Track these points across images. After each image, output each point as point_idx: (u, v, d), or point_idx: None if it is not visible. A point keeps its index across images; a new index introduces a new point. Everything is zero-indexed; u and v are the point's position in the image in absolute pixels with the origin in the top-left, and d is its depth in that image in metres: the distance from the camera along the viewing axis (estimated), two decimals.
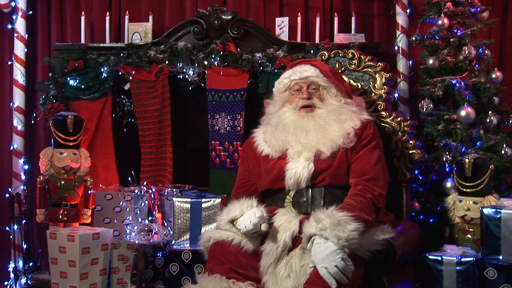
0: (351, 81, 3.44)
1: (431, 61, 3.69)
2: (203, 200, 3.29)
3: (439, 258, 3.01)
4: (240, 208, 2.78)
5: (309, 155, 2.83)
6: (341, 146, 2.82)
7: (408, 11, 4.12)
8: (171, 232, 3.40)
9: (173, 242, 3.30)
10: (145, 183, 3.88)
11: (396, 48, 4.13)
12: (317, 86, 2.96)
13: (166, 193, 3.72)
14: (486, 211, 3.01)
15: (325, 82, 2.97)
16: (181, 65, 3.95)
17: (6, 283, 3.93)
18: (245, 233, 2.70)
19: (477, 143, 3.57)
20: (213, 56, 3.94)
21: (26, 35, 4.24)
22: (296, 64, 3.09)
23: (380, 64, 3.51)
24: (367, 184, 2.75)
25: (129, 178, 3.83)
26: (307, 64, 3.04)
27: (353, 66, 3.51)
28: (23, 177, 4.17)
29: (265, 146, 2.97)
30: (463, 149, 3.54)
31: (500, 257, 2.94)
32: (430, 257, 3.04)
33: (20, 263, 3.97)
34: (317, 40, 4.07)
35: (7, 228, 4.05)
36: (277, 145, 2.91)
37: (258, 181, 2.99)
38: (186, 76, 3.98)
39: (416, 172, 3.57)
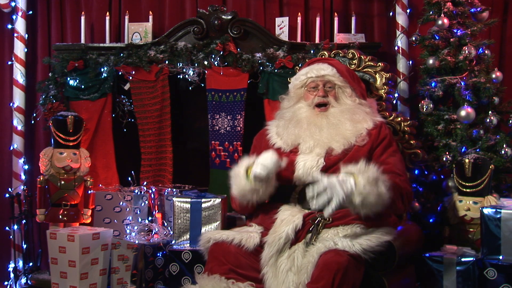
0: None
1: (431, 61, 3.68)
2: (203, 200, 3.29)
3: (439, 258, 3.01)
4: (250, 159, 2.83)
5: (321, 151, 2.87)
6: (355, 145, 2.87)
7: (408, 11, 4.11)
8: (171, 232, 3.39)
9: (173, 242, 3.30)
10: (145, 183, 3.88)
11: (396, 48, 4.13)
12: (333, 85, 3.03)
13: (166, 193, 3.72)
14: (486, 211, 3.01)
15: (341, 81, 3.03)
16: (181, 65, 3.95)
17: (6, 283, 3.93)
18: (259, 178, 2.69)
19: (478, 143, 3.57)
20: (213, 56, 3.93)
21: (26, 35, 4.24)
22: (313, 62, 3.16)
23: (380, 64, 3.51)
24: (399, 179, 2.81)
25: (129, 178, 3.83)
26: (325, 63, 3.10)
27: (353, 66, 3.51)
28: (23, 177, 4.16)
29: (277, 139, 3.01)
30: (463, 149, 3.53)
31: (500, 257, 2.94)
32: (430, 257, 3.04)
33: (20, 263, 3.97)
34: (317, 40, 4.06)
35: (7, 228, 4.05)
36: (289, 139, 2.95)
37: None
38: (186, 76, 3.97)
39: (416, 172, 3.57)
